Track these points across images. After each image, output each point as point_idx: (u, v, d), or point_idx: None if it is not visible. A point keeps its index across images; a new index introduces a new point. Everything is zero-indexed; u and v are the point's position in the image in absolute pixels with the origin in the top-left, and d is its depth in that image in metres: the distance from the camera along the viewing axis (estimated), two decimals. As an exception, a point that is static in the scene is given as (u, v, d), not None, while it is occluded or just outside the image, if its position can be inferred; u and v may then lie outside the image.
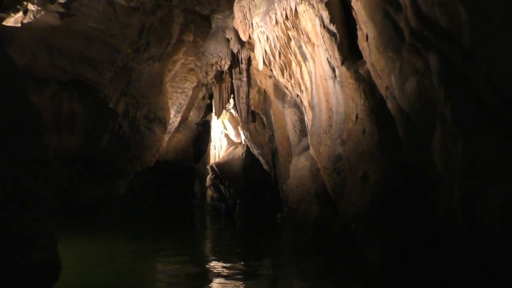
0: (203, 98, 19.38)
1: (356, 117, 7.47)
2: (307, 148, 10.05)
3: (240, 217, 15.24)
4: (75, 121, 13.16)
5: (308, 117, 9.85)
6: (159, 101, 15.21)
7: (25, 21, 8.95)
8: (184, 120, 19.76)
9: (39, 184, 3.71)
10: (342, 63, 7.75)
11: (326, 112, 8.49)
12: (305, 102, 9.83)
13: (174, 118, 18.06)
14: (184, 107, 18.39)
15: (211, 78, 13.59)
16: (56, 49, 12.06)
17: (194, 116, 20.30)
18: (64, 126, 13.04)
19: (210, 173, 16.59)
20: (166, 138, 17.48)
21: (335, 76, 8.05)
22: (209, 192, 17.24)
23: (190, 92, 17.92)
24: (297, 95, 10.34)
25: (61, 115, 12.87)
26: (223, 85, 13.70)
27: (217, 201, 16.72)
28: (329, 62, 8.15)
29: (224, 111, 15.67)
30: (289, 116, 11.89)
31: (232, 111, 16.54)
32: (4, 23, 8.44)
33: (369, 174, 6.97)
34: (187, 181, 22.30)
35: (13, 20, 8.61)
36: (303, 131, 11.25)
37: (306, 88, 9.59)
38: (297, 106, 11.37)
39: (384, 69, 6.55)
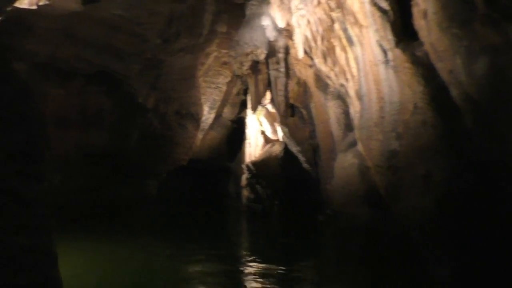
0: (238, 94, 18.91)
1: (414, 107, 6.80)
2: (353, 144, 9.39)
3: (277, 219, 14.66)
4: (103, 117, 12.83)
5: (354, 109, 9.12)
6: (191, 96, 14.76)
7: (40, 3, 8.32)
8: (218, 117, 19.29)
9: (27, 184, 2.90)
10: (397, 45, 7.11)
11: (376, 102, 7.80)
12: (351, 92, 9.06)
13: (208, 114, 17.64)
14: (219, 103, 17.91)
15: (246, 69, 13.14)
16: (80, 39, 11.61)
17: (228, 113, 19.83)
18: (91, 122, 12.72)
19: (246, 172, 16.19)
20: (200, 135, 17.09)
21: (387, 60, 7.40)
22: (245, 193, 16.79)
23: (224, 88, 17.44)
24: (342, 85, 9.60)
25: (87, 111, 12.57)
26: (259, 76, 13.13)
27: (253, 202, 16.26)
28: (380, 45, 7.53)
29: (259, 106, 15.11)
30: (332, 109, 11.07)
31: (268, 106, 16.05)
32: (18, 4, 7.66)
33: (432, 173, 6.24)
34: (221, 181, 21.90)
35: (27, 1, 7.99)
36: (348, 125, 10.49)
37: (353, 76, 8.84)
38: (341, 98, 10.57)
39: (448, 50, 5.88)
